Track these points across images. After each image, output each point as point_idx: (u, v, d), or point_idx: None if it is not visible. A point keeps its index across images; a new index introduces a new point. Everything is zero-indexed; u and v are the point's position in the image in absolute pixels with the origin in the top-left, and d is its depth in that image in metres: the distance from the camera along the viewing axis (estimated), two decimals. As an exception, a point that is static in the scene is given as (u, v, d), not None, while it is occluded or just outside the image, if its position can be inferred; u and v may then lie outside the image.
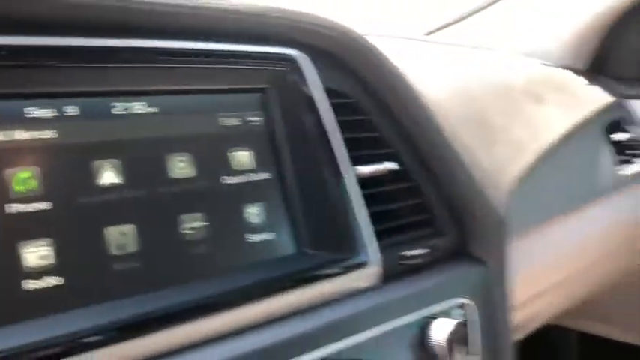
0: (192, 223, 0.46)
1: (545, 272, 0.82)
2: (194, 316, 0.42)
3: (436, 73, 0.75)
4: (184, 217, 0.46)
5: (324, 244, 0.52)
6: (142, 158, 0.45)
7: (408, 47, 0.88)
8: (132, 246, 0.43)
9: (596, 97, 1.09)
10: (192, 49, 0.49)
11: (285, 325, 0.46)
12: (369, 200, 0.55)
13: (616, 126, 1.08)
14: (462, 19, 1.35)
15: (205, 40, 0.50)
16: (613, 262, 1.02)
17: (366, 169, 0.56)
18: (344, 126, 0.56)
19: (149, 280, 0.43)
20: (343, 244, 0.52)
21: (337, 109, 0.56)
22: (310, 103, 0.54)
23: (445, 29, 1.36)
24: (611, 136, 1.05)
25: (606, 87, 1.15)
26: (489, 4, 1.32)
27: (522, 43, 1.21)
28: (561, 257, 0.85)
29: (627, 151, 1.06)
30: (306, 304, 0.49)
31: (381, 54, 0.60)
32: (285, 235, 0.51)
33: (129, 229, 0.43)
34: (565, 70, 1.14)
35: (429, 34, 1.35)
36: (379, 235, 0.54)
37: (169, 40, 0.48)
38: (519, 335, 0.92)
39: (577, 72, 1.15)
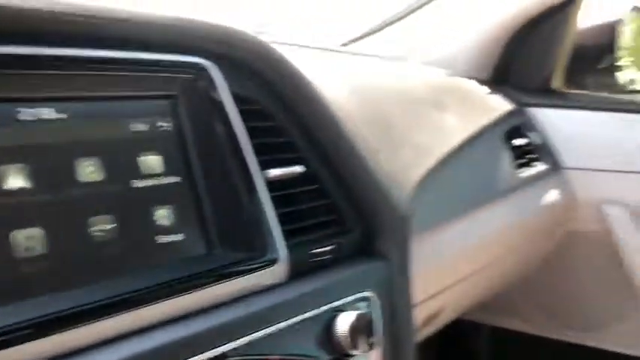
0: (102, 226, 0.47)
1: (448, 269, 0.88)
2: (101, 316, 0.44)
3: (344, 81, 0.79)
4: (93, 219, 0.47)
5: (234, 245, 0.54)
6: (50, 163, 0.46)
7: (319, 57, 0.92)
8: (40, 248, 0.44)
9: (497, 105, 1.17)
10: (103, 57, 0.51)
11: (192, 323, 0.48)
12: (278, 202, 0.58)
13: (516, 132, 1.17)
14: (378, 30, 1.42)
15: (116, 48, 0.52)
16: (513, 258, 1.10)
17: (274, 172, 0.59)
18: (253, 132, 0.59)
19: (58, 281, 0.44)
20: (252, 243, 0.55)
21: (246, 115, 0.59)
22: (219, 110, 0.56)
23: (361, 40, 1.42)
24: (512, 141, 1.13)
25: (507, 96, 1.23)
26: (403, 17, 1.39)
27: (431, 54, 1.29)
28: (464, 254, 0.91)
29: (526, 156, 1.15)
30: (215, 302, 0.51)
31: (288, 62, 0.63)
32: (195, 236, 0.53)
33: (37, 232, 0.44)
34: (469, 79, 1.21)
35: (345, 44, 1.40)
36: (288, 234, 0.58)
37: (80, 47, 0.49)
38: (429, 330, 0.97)
39: (481, 82, 1.23)
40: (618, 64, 1.40)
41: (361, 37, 1.43)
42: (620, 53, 1.39)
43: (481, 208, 0.94)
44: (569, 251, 1.26)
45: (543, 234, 1.18)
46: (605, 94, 1.34)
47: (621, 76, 1.44)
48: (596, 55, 1.39)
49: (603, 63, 1.39)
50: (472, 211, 0.92)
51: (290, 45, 0.87)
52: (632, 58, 1.54)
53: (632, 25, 1.45)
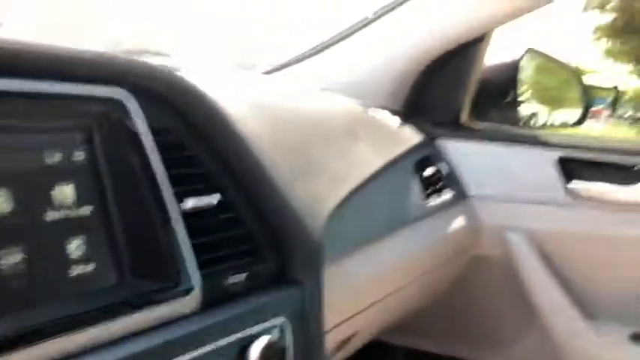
0: (11, 258, 0.47)
1: (361, 294, 0.91)
2: (7, 349, 0.43)
3: (261, 109, 0.81)
4: (2, 252, 0.47)
5: (147, 275, 0.55)
6: (-43, 194, 0.46)
7: (237, 84, 0.93)
8: (-57, 281, 0.43)
9: (408, 137, 1.23)
10: (18, 89, 0.51)
11: (104, 354, 0.48)
12: (193, 232, 0.59)
13: (426, 162, 1.23)
14: (299, 60, 1.45)
15: (32, 80, 0.52)
16: (423, 282, 1.15)
17: (189, 203, 0.61)
18: (169, 162, 0.60)
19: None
20: (166, 274, 0.56)
21: (162, 146, 0.60)
22: (134, 141, 0.57)
23: (282, 69, 1.45)
24: (422, 171, 1.19)
25: (418, 127, 1.30)
26: (324, 48, 1.43)
27: (347, 85, 1.34)
28: (375, 280, 0.95)
29: (435, 185, 1.21)
30: (128, 332, 0.52)
31: (203, 93, 0.65)
32: (108, 267, 0.54)
33: (-60, 264, 0.43)
34: (383, 110, 1.27)
35: (267, 72, 1.43)
36: (202, 264, 0.59)
37: None
38: (344, 354, 1.00)
39: (394, 113, 1.30)
40: (521, 98, 1.51)
41: (283, 66, 1.46)
42: (522, 89, 1.50)
43: (391, 235, 0.99)
44: (475, 275, 1.33)
45: (451, 259, 1.25)
46: (508, 128, 1.44)
47: (523, 110, 1.55)
48: (500, 91, 1.49)
49: (507, 98, 1.50)
50: (383, 238, 0.96)
51: (208, 73, 0.89)
52: (532, 92, 1.67)
53: (531, 63, 1.57)
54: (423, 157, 1.22)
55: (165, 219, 0.57)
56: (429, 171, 1.21)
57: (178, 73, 0.64)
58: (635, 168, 1.24)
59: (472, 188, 1.31)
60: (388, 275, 0.99)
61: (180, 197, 0.60)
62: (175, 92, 0.63)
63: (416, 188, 1.13)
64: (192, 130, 0.65)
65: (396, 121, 1.26)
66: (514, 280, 1.29)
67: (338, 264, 0.80)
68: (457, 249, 1.26)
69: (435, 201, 1.18)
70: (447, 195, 1.23)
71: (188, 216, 0.60)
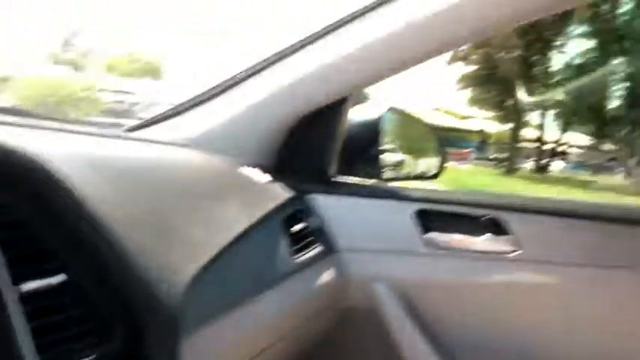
0: None
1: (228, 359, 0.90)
2: None
3: (116, 172, 0.78)
4: None
5: (-22, 367, 0.51)
6: None
7: (92, 145, 0.90)
8: None
9: (278, 193, 1.25)
10: None
11: None
12: (33, 315, 0.56)
13: (295, 218, 1.25)
14: (168, 116, 1.43)
15: None
16: (293, 340, 1.15)
17: (29, 286, 0.57)
18: (7, 242, 0.57)
19: None
20: (0, 363, 0.53)
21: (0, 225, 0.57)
22: (-35, 224, 0.54)
23: (148, 126, 1.42)
24: (290, 227, 1.21)
25: (288, 183, 1.33)
26: (192, 105, 1.43)
27: (217, 141, 1.34)
28: (242, 343, 0.94)
29: (304, 240, 1.23)
30: None
31: (45, 164, 0.62)
32: None
33: None
34: (253, 167, 1.29)
35: (130, 130, 1.39)
36: (42, 348, 0.55)
37: None
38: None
39: (264, 169, 1.31)
40: (386, 148, 1.60)
41: (149, 123, 1.43)
42: (386, 140, 1.59)
43: (258, 296, 0.99)
44: (346, 328, 1.36)
45: (321, 313, 1.27)
46: (372, 182, 1.51)
47: (389, 159, 1.64)
48: (365, 146, 1.56)
49: (371, 152, 1.57)
50: (249, 299, 0.95)
51: (53, 136, 0.84)
52: (396, 143, 1.77)
53: (393, 118, 1.68)
54: (292, 212, 1.24)
55: (0, 304, 0.54)
56: (297, 227, 1.23)
57: (16, 144, 0.61)
58: (482, 219, 1.35)
59: (340, 242, 1.34)
60: (255, 337, 0.99)
61: (19, 279, 0.57)
62: (12, 165, 0.60)
63: (284, 245, 1.14)
64: (32, 205, 0.62)
65: (264, 177, 1.27)
66: (382, 331, 1.33)
67: (199, 334, 0.79)
68: (327, 303, 1.28)
69: (303, 256, 1.19)
70: (316, 250, 1.26)
71: (28, 298, 0.57)
